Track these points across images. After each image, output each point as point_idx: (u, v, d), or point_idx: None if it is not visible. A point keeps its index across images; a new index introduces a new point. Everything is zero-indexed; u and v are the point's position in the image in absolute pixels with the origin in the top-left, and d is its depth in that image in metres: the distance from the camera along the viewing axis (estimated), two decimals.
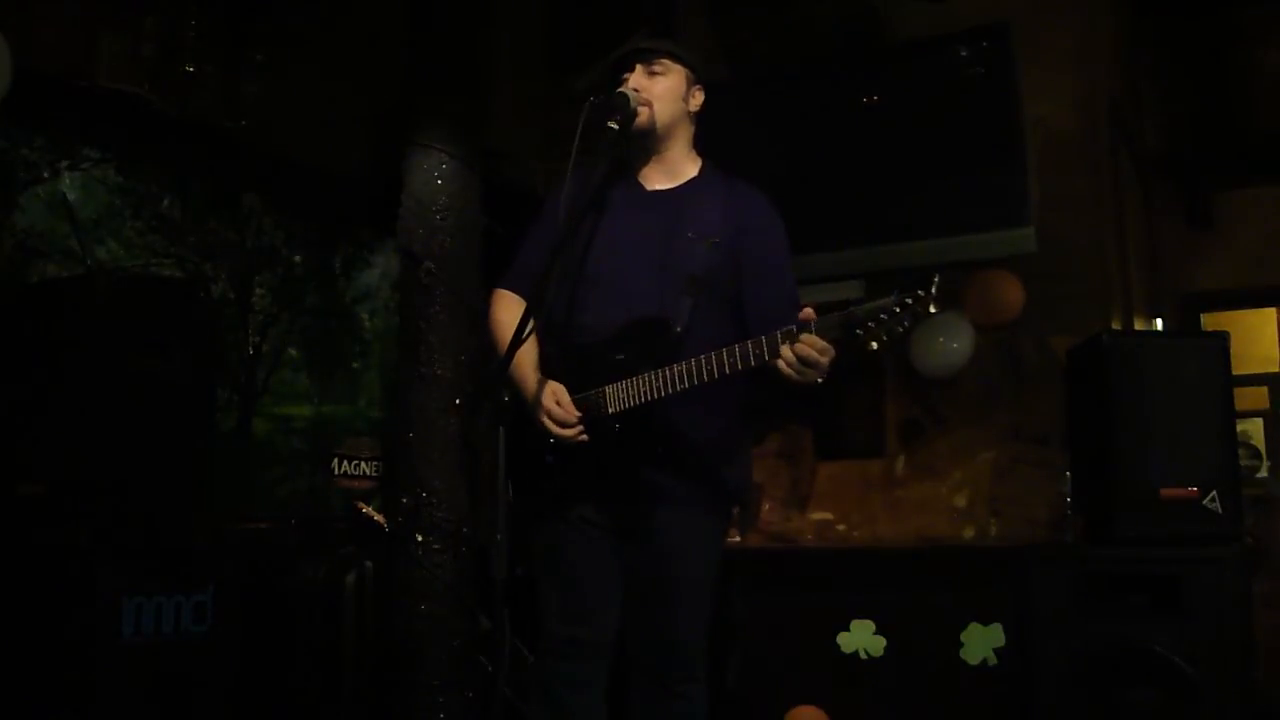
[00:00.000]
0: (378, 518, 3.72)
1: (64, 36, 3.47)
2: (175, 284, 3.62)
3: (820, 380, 2.10)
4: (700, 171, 2.54)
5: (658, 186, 2.51)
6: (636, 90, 2.40)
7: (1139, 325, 4.59)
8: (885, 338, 1.97)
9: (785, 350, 2.07)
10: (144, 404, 2.71)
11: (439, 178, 3.38)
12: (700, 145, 2.60)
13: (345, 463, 4.10)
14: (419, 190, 3.39)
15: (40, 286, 3.48)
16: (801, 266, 3.85)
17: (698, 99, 2.50)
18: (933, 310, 1.94)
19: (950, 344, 3.97)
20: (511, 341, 2.24)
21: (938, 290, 1.92)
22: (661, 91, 2.42)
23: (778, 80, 4.25)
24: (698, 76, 2.49)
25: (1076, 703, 2.97)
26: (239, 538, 3.55)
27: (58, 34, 3.45)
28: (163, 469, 2.74)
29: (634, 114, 2.38)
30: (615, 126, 2.36)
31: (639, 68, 2.43)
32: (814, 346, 2.05)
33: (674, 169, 2.51)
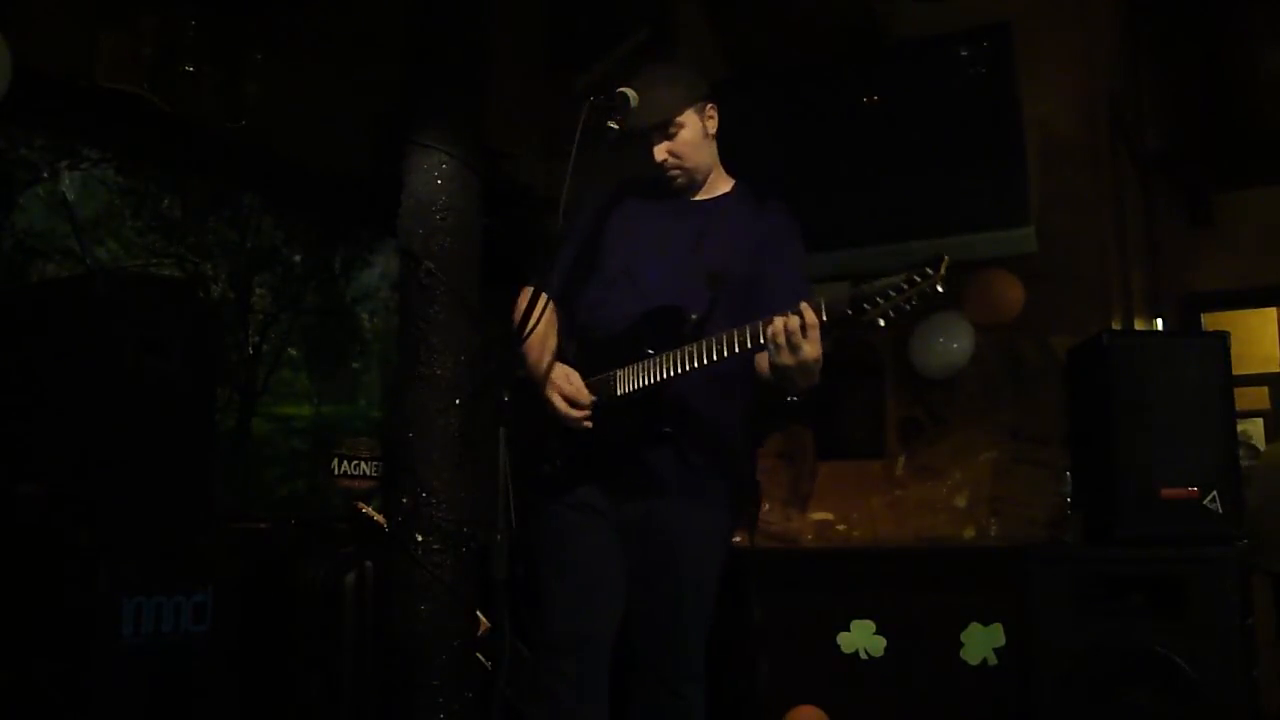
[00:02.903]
0: (378, 518, 3.71)
1: (64, 36, 3.47)
2: (175, 284, 3.62)
3: (804, 374, 2.08)
4: (733, 189, 2.60)
5: (692, 199, 2.56)
6: (668, 159, 2.45)
7: (1139, 325, 4.59)
8: (892, 314, 1.99)
9: (777, 322, 2.05)
10: (144, 404, 2.71)
11: (439, 178, 3.37)
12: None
13: (345, 463, 4.10)
14: (419, 190, 3.39)
15: (40, 286, 3.48)
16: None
17: (714, 119, 2.53)
18: (940, 289, 1.97)
19: (950, 344, 3.97)
20: (521, 321, 2.27)
21: (946, 270, 1.95)
22: (687, 149, 2.47)
23: (778, 80, 4.25)
24: (705, 93, 2.50)
25: (1076, 703, 2.97)
26: (239, 538, 3.55)
27: (57, 34, 3.45)
28: (163, 469, 2.74)
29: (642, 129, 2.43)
30: (615, 126, 2.37)
31: (657, 137, 2.46)
32: (806, 318, 2.03)
33: (708, 186, 2.58)
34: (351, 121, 4.38)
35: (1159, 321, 5.13)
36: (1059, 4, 4.08)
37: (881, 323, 2.01)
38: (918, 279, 1.97)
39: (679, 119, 2.45)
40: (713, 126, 2.53)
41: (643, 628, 2.42)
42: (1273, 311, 5.64)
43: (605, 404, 2.37)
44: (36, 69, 3.25)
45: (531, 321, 2.29)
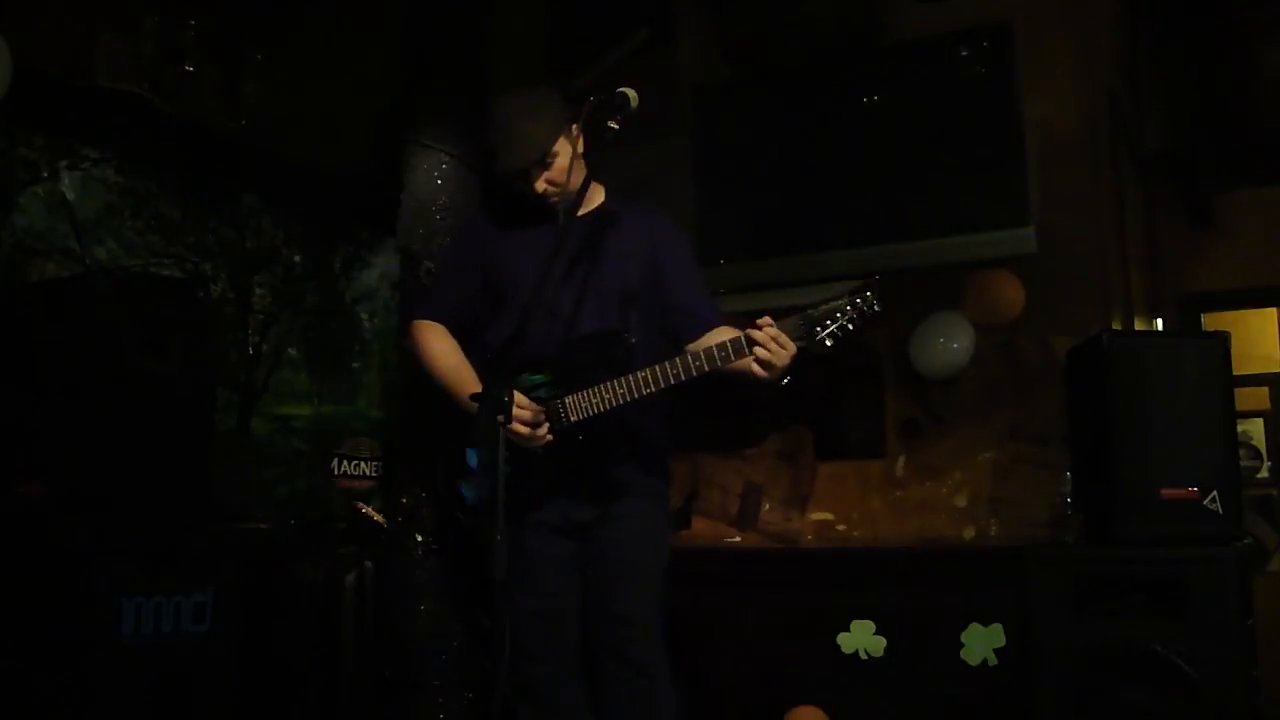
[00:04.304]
0: (378, 518, 3.71)
1: (64, 36, 3.47)
2: (175, 284, 3.62)
3: (785, 373, 2.26)
4: (606, 197, 2.66)
5: (576, 213, 2.60)
6: (548, 188, 2.51)
7: (1139, 325, 4.59)
8: (840, 335, 2.23)
9: (761, 335, 2.23)
10: (144, 404, 2.71)
11: (439, 178, 3.38)
12: (709, 146, 2.68)
13: (345, 463, 4.10)
14: (419, 190, 3.39)
15: (40, 286, 3.48)
16: (800, 266, 3.88)
17: (580, 137, 2.56)
18: (877, 309, 2.22)
19: (950, 344, 3.97)
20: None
21: (881, 291, 2.22)
22: (564, 175, 2.50)
23: (778, 80, 4.25)
24: (569, 113, 2.53)
25: (1076, 703, 2.97)
26: (239, 538, 3.55)
27: (57, 34, 3.45)
28: (163, 469, 2.74)
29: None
30: (615, 126, 2.39)
31: (535, 170, 2.51)
32: (770, 331, 2.24)
33: (586, 200, 2.62)
34: (352, 121, 4.38)
35: (1159, 321, 5.12)
36: (1059, 4, 4.08)
37: (829, 344, 2.24)
38: (858, 300, 2.21)
39: (554, 149, 2.49)
40: (581, 145, 2.55)
41: (606, 618, 2.52)
42: (1273, 311, 5.63)
43: (558, 430, 2.44)
44: (36, 69, 3.25)
45: (447, 359, 2.50)
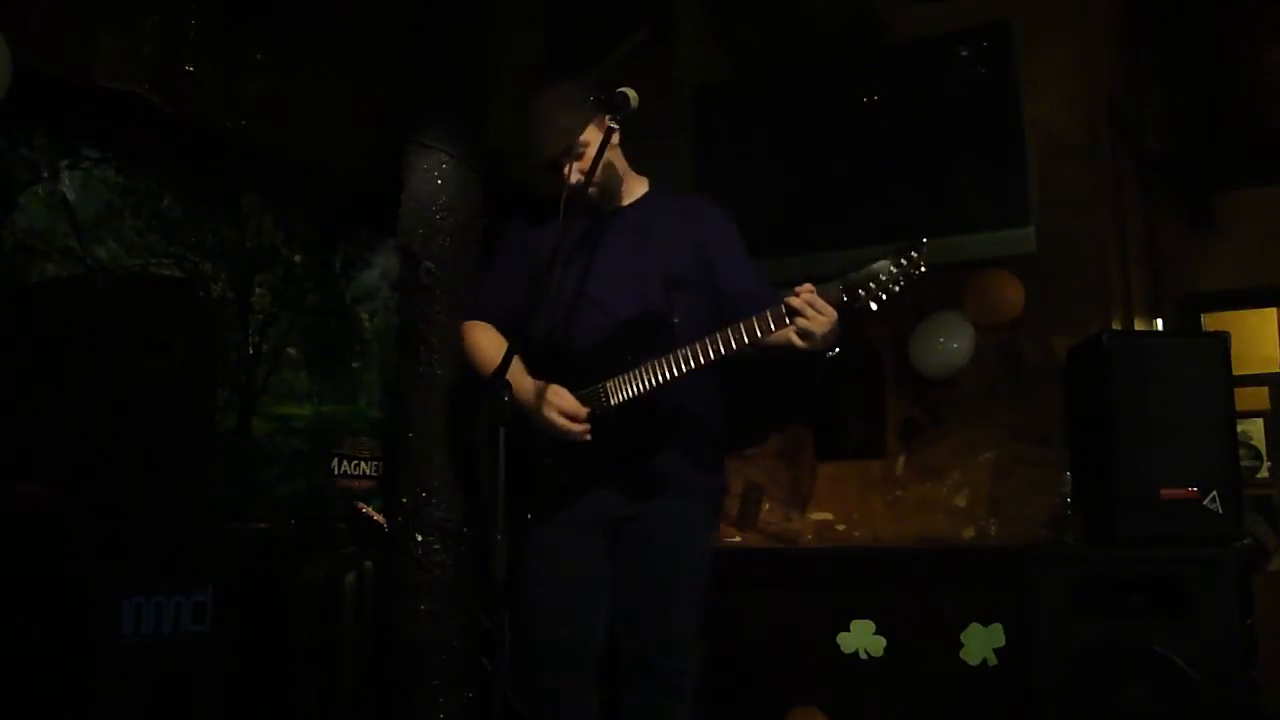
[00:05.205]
0: (378, 518, 3.72)
1: (63, 36, 3.47)
2: (175, 284, 3.62)
3: (832, 334, 2.17)
4: (650, 187, 2.63)
5: (618, 206, 2.58)
6: (582, 179, 2.44)
7: (1139, 325, 4.59)
8: (884, 297, 2.12)
9: (797, 301, 2.13)
10: (144, 404, 2.71)
11: (439, 178, 3.38)
12: (709, 146, 2.64)
13: (345, 463, 4.10)
14: (419, 190, 3.39)
15: (40, 286, 3.48)
16: (800, 266, 3.87)
17: (619, 131, 2.50)
18: (922, 269, 2.11)
19: (950, 344, 3.97)
20: (507, 352, 2.25)
21: (927, 251, 2.12)
22: (592, 163, 2.44)
23: (778, 80, 4.26)
24: (599, 103, 2.47)
25: (1076, 703, 2.97)
26: (239, 538, 3.55)
27: (57, 33, 3.45)
28: (163, 469, 2.74)
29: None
30: (616, 126, 2.38)
31: (565, 160, 2.47)
32: (806, 296, 2.14)
33: (628, 191, 2.59)
34: (351, 121, 4.39)
35: (1159, 321, 5.12)
36: (1059, 4, 4.08)
37: (874, 307, 2.13)
38: (903, 262, 2.10)
39: (582, 138, 2.45)
40: (616, 136, 2.48)
41: (638, 627, 2.44)
42: (1273, 311, 5.63)
43: (600, 415, 2.38)
44: (36, 69, 3.26)
45: (493, 354, 2.37)
